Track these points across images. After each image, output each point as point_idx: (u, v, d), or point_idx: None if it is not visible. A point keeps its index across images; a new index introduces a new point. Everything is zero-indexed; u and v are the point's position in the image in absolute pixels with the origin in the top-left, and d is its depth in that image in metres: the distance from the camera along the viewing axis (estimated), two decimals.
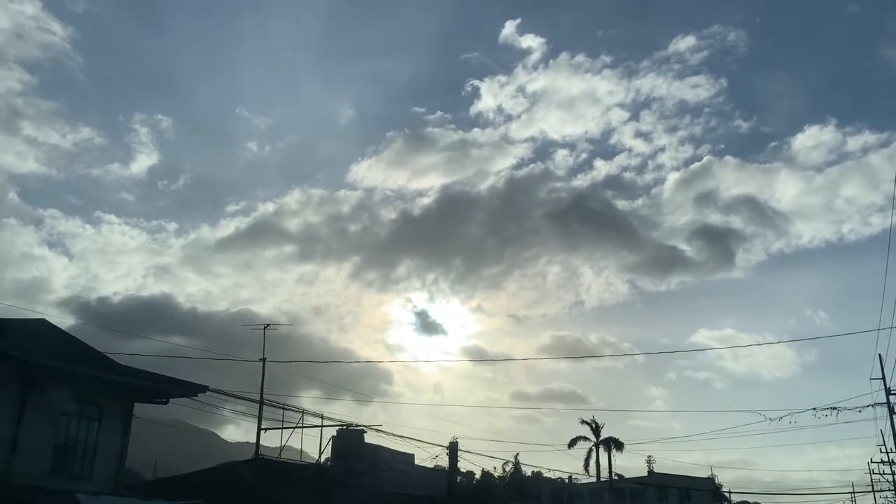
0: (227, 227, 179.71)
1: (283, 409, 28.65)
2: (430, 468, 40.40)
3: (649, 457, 69.09)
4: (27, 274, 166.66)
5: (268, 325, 29.57)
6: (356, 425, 26.52)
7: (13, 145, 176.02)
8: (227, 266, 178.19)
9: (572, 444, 64.72)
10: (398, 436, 33.25)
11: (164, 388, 23.28)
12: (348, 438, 25.64)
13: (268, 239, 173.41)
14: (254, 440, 28.10)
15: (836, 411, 29.60)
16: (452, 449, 42.61)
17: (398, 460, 34.49)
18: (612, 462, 59.83)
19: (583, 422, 65.44)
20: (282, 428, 28.88)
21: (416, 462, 40.49)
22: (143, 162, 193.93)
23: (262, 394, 28.73)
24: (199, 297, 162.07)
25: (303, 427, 28.55)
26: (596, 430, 65.26)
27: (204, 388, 25.73)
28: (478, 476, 72.03)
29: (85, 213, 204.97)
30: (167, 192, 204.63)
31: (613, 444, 63.59)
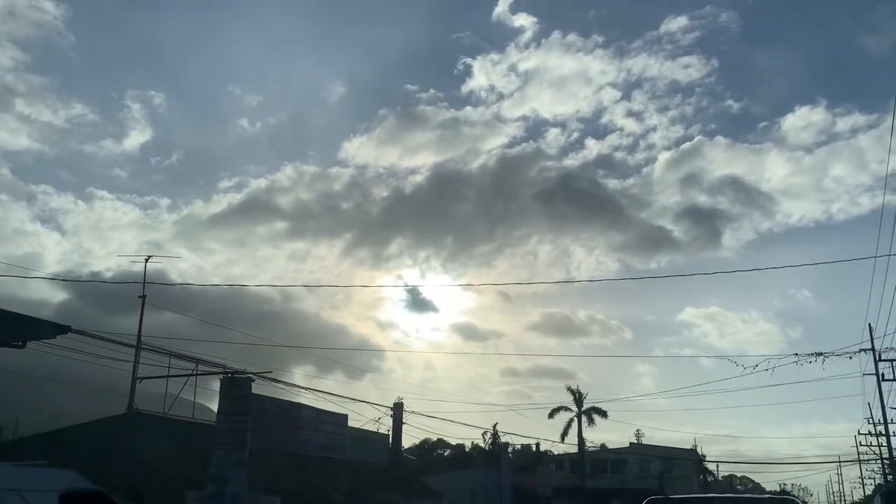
0: (220, 203, 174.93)
1: (171, 355, 24.53)
2: (370, 431, 36.28)
3: (638, 430, 67.53)
4: (19, 249, 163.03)
5: (149, 256, 27.25)
6: (244, 372, 22.36)
7: (6, 122, 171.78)
8: (218, 242, 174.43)
9: (553, 414, 62.35)
10: (304, 387, 29.51)
11: (14, 327, 19.25)
12: (233, 389, 21.56)
13: (260, 215, 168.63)
14: None
15: (821, 357, 25.45)
16: (397, 411, 38.55)
17: (325, 420, 30.37)
18: (584, 430, 57.34)
19: (568, 389, 63.37)
20: (167, 377, 24.79)
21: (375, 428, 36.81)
22: (136, 138, 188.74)
23: (139, 336, 24.60)
24: (191, 273, 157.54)
25: (197, 374, 24.50)
26: (578, 399, 62.93)
27: (65, 329, 21.77)
28: (468, 447, 71.31)
29: (77, 188, 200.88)
30: (160, 168, 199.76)
31: (596, 413, 61.39)
